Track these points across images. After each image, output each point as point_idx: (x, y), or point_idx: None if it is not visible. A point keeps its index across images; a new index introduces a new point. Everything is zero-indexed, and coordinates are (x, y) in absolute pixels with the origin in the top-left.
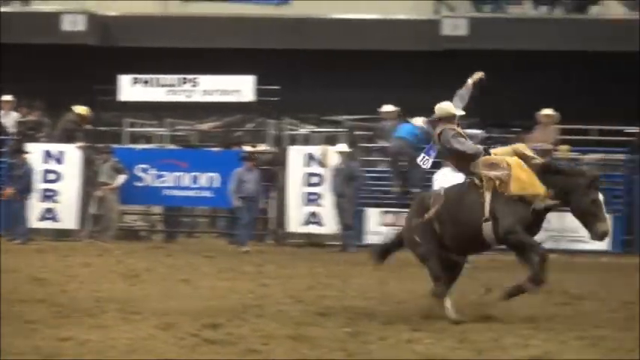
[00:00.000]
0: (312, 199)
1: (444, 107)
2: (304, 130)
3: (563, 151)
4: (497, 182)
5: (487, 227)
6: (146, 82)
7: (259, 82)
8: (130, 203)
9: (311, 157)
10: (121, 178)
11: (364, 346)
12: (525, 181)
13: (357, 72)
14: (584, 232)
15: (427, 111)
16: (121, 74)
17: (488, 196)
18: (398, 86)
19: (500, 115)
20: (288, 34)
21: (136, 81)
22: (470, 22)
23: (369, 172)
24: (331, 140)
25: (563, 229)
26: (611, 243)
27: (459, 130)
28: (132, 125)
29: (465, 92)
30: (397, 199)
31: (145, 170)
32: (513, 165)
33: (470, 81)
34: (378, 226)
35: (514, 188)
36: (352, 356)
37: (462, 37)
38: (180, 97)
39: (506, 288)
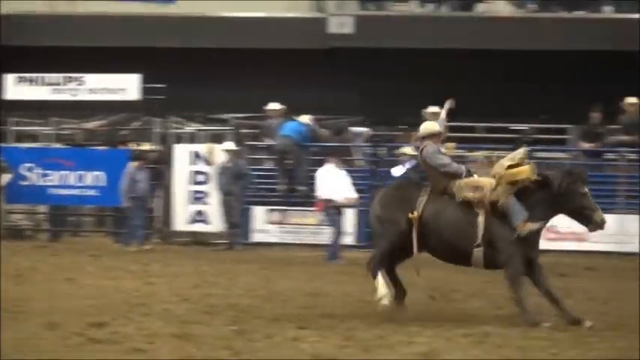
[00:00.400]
0: (198, 197)
1: (427, 126)
2: (190, 128)
3: (449, 148)
4: (490, 206)
5: (478, 253)
6: (31, 80)
7: (145, 80)
8: (15, 202)
9: (197, 156)
10: (6, 177)
11: (250, 344)
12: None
13: (243, 70)
14: None
15: (313, 108)
16: (5, 73)
17: (482, 220)
18: (284, 84)
19: (387, 112)
20: (173, 33)
21: (20, 80)
22: (356, 20)
23: (255, 170)
24: (217, 138)
25: None
26: None
27: (443, 149)
28: (17, 124)
29: (441, 122)
30: (283, 197)
31: (30, 169)
32: (499, 185)
33: (443, 112)
34: (264, 224)
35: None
36: (238, 354)
37: (348, 35)
38: (66, 96)
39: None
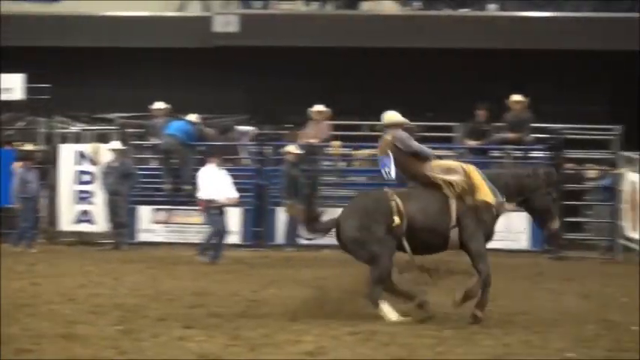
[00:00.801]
0: (83, 197)
1: (391, 115)
2: (75, 128)
3: (336, 147)
4: (460, 189)
5: (454, 233)
6: None
7: (29, 80)
8: None
9: (82, 155)
10: None
11: (136, 343)
12: (485, 188)
13: (128, 69)
14: None
15: (199, 107)
16: None
17: (454, 203)
18: (169, 83)
19: (272, 111)
20: (58, 32)
21: None
22: (241, 18)
23: (140, 169)
24: (103, 138)
25: None
26: None
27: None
28: None
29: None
30: (169, 196)
31: None
32: (470, 170)
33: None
34: (149, 223)
35: (480, 195)
36: (124, 354)
37: (233, 33)
38: None
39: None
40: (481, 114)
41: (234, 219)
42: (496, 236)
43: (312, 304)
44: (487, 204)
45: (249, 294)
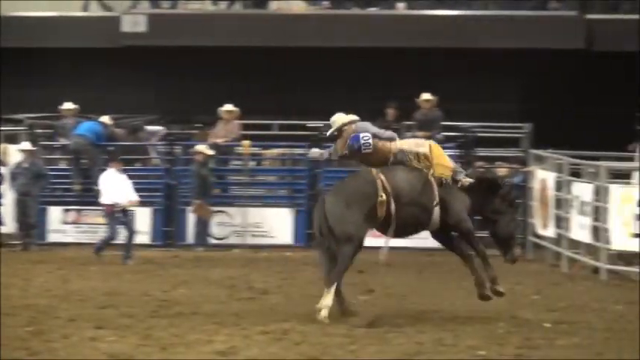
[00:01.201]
0: None
1: (343, 116)
2: None
3: (246, 147)
4: (423, 160)
5: (436, 211)
6: None
7: None
8: None
9: None
10: None
11: (47, 344)
12: (447, 162)
13: (37, 70)
14: (267, 227)
15: (109, 108)
16: None
17: (434, 181)
18: (79, 84)
19: (182, 111)
20: None
21: None
22: (149, 18)
23: (50, 170)
24: (12, 139)
25: (246, 224)
26: (295, 237)
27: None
28: None
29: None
30: (78, 196)
31: None
32: (434, 146)
33: None
34: (59, 224)
35: (439, 169)
36: (35, 355)
37: (141, 33)
38: None
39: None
40: (391, 113)
41: (143, 219)
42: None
43: (222, 304)
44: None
45: (160, 294)
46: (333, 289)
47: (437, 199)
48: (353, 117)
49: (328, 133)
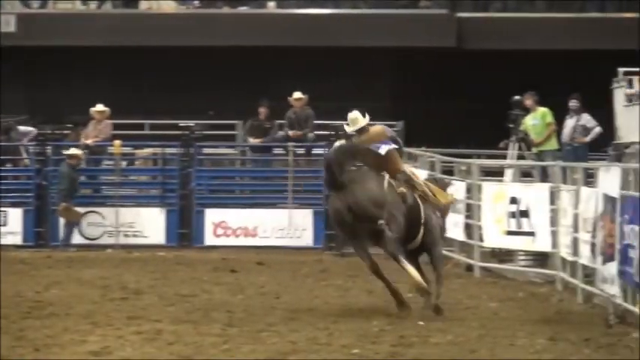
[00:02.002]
0: None
1: (360, 115)
2: None
3: (117, 147)
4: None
5: (420, 232)
6: None
7: None
8: None
9: None
10: None
11: None
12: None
13: None
14: (139, 227)
15: None
16: None
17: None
18: None
19: (53, 111)
20: None
21: None
22: (18, 18)
23: None
24: None
25: (119, 224)
26: (167, 236)
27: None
28: None
29: None
30: None
31: None
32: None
33: None
34: None
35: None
36: None
37: (11, 33)
38: None
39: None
40: (262, 111)
41: (15, 220)
42: (279, 233)
43: (96, 304)
44: (445, 207)
45: (33, 295)
46: (403, 260)
47: (423, 220)
48: (368, 120)
49: (350, 130)
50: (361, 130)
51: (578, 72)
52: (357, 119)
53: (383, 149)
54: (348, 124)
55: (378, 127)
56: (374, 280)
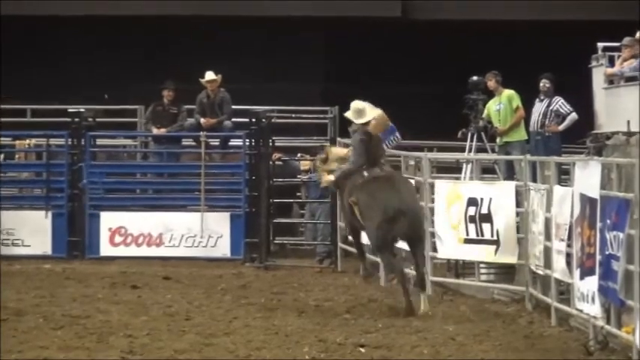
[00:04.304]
0: None
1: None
2: None
3: None
4: None
5: None
6: None
7: None
8: None
9: None
10: None
11: None
12: None
13: None
14: (20, 234)
15: None
16: None
17: None
18: None
19: None
20: None
21: None
22: None
23: None
24: None
25: None
26: (54, 245)
27: None
28: None
29: None
30: None
31: None
32: None
33: None
34: None
35: None
36: None
37: None
38: None
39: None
40: (167, 95)
41: None
42: (189, 241)
43: None
44: None
45: None
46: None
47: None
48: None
49: (362, 121)
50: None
51: (550, 47)
52: (363, 110)
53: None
54: (352, 115)
55: (380, 114)
56: (303, 298)
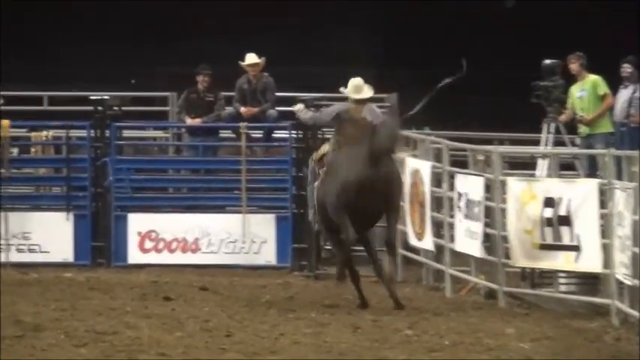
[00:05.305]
0: None
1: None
2: None
3: (4, 128)
4: None
5: None
6: None
7: None
8: None
9: None
10: None
11: None
12: None
13: None
14: (37, 239)
15: None
16: None
17: None
18: None
19: None
20: None
21: None
22: None
23: None
24: None
25: (9, 235)
26: (76, 251)
27: None
28: None
29: None
30: None
31: None
32: None
33: None
34: None
35: None
36: None
37: None
38: None
39: None
40: (202, 80)
41: None
42: (229, 247)
43: None
44: None
45: None
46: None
47: None
48: None
49: (359, 97)
50: (364, 101)
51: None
52: (361, 87)
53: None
54: (350, 90)
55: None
56: (359, 312)
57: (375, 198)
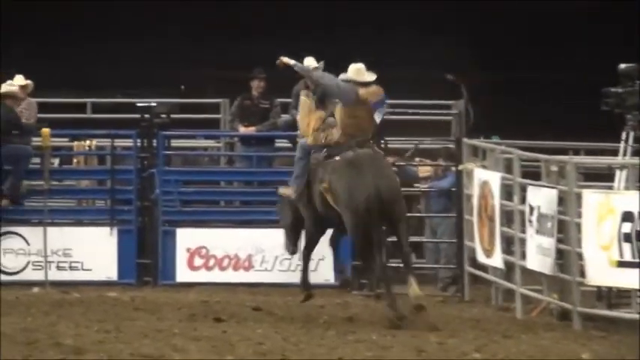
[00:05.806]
0: None
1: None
2: None
3: (44, 137)
4: None
5: None
6: None
7: None
8: None
9: None
10: None
11: None
12: None
13: None
14: (79, 256)
15: None
16: None
17: None
18: None
19: None
20: None
21: None
22: None
23: None
24: None
25: (49, 252)
26: (120, 269)
27: None
28: None
29: None
30: None
31: None
32: None
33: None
34: None
35: None
36: None
37: None
38: None
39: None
40: (257, 86)
41: None
42: (284, 264)
43: None
44: None
45: None
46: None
47: None
48: None
49: (361, 79)
50: (365, 84)
51: None
52: (362, 71)
53: (378, 117)
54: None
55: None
56: (423, 333)
57: (382, 217)
